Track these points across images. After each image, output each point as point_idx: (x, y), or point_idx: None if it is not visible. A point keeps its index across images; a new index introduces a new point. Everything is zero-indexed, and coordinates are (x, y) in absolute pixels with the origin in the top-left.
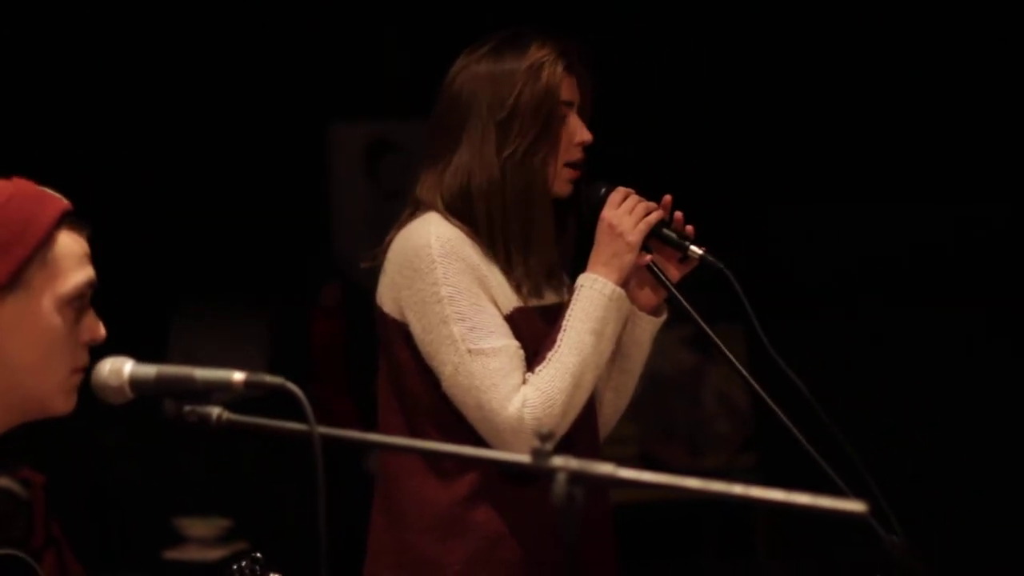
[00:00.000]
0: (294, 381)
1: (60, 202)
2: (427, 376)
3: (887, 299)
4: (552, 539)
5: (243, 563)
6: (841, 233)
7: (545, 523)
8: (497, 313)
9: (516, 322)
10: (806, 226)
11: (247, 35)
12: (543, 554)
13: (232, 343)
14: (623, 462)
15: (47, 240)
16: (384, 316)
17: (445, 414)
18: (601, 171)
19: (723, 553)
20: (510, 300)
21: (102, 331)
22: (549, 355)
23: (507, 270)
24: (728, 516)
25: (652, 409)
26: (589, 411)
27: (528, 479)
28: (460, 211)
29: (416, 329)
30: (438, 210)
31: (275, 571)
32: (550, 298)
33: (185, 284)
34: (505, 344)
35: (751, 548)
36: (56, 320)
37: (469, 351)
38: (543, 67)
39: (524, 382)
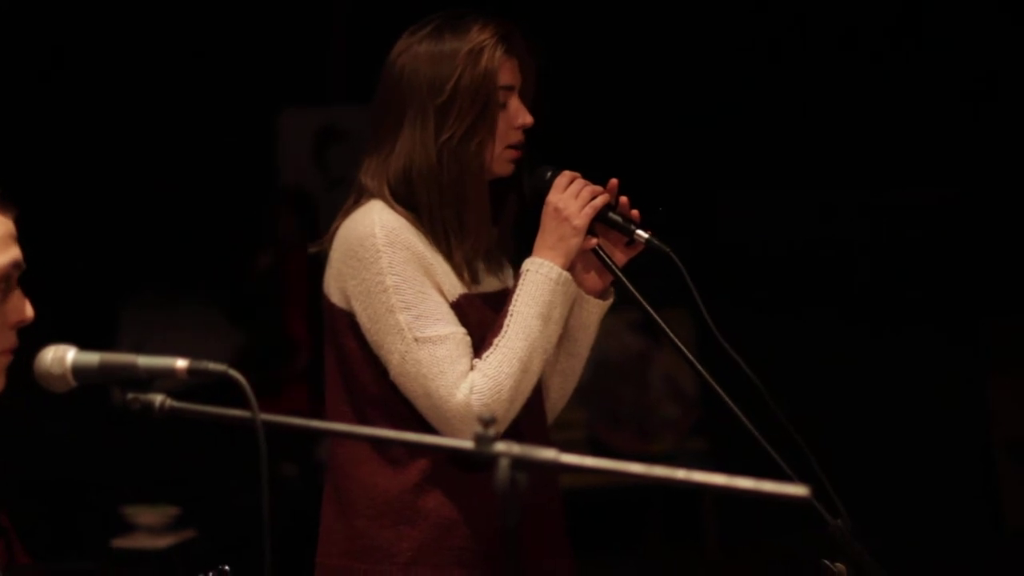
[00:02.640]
0: (259, 366)
1: None
2: (374, 365)
3: (836, 284)
4: (499, 527)
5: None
6: (791, 218)
7: (496, 509)
8: (443, 301)
9: (463, 309)
10: (756, 210)
11: (197, 21)
12: (494, 540)
13: (184, 331)
14: (571, 447)
15: None
16: (331, 306)
17: (393, 403)
18: (547, 155)
19: (671, 538)
20: (456, 287)
21: (30, 312)
22: (496, 340)
23: (449, 256)
24: (676, 501)
25: (600, 394)
26: (536, 396)
27: (478, 465)
28: (404, 196)
29: (363, 318)
30: (382, 197)
31: None
32: (491, 284)
33: (134, 273)
34: (452, 331)
35: (699, 533)
36: None
37: (416, 339)
38: (483, 51)
39: (472, 368)
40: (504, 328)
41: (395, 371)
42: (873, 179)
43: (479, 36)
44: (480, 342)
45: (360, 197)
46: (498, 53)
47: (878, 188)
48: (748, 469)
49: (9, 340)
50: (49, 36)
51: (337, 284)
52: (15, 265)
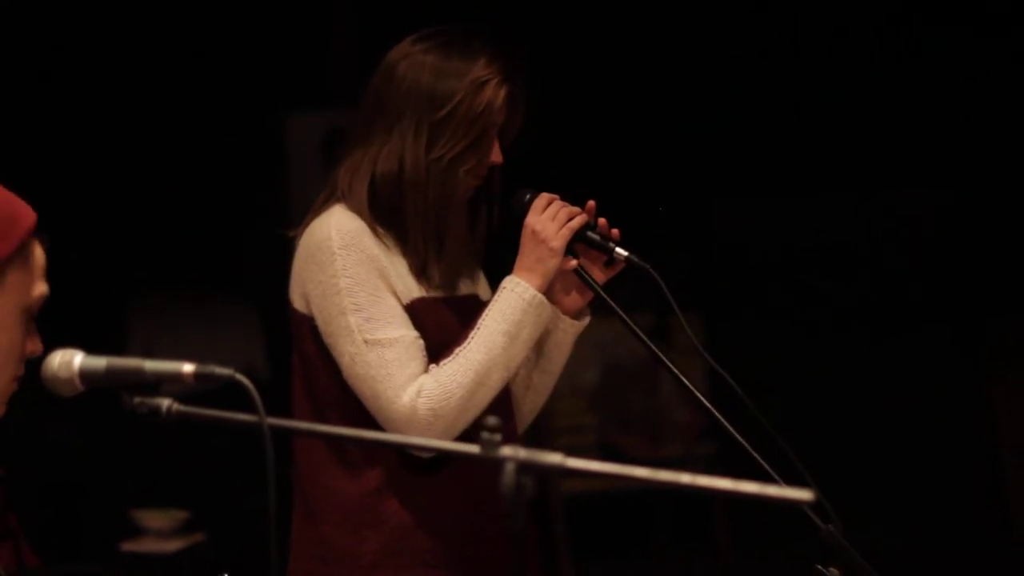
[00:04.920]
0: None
1: (31, 212)
2: (333, 368)
3: (836, 289)
4: (463, 528)
5: None
6: (788, 223)
7: (456, 514)
8: (396, 304)
9: (418, 312)
10: (753, 217)
11: (204, 26)
12: (454, 544)
13: (194, 335)
14: (583, 451)
15: (28, 242)
16: (294, 311)
17: (350, 406)
18: (547, 164)
19: (682, 541)
20: (412, 290)
21: (40, 347)
22: (457, 350)
23: (418, 262)
24: (688, 505)
25: (611, 399)
26: (507, 411)
27: (436, 469)
28: (388, 197)
29: (319, 321)
30: (355, 198)
31: None
32: (459, 288)
33: (144, 277)
34: (402, 335)
35: (711, 536)
36: (17, 332)
37: (365, 341)
38: (487, 84)
39: (426, 371)
40: (468, 339)
41: (346, 372)
42: (871, 182)
43: (487, 68)
44: (438, 345)
45: (330, 198)
46: (501, 92)
47: (876, 191)
48: (758, 474)
49: (21, 369)
50: (53, 39)
51: (299, 290)
52: (45, 298)
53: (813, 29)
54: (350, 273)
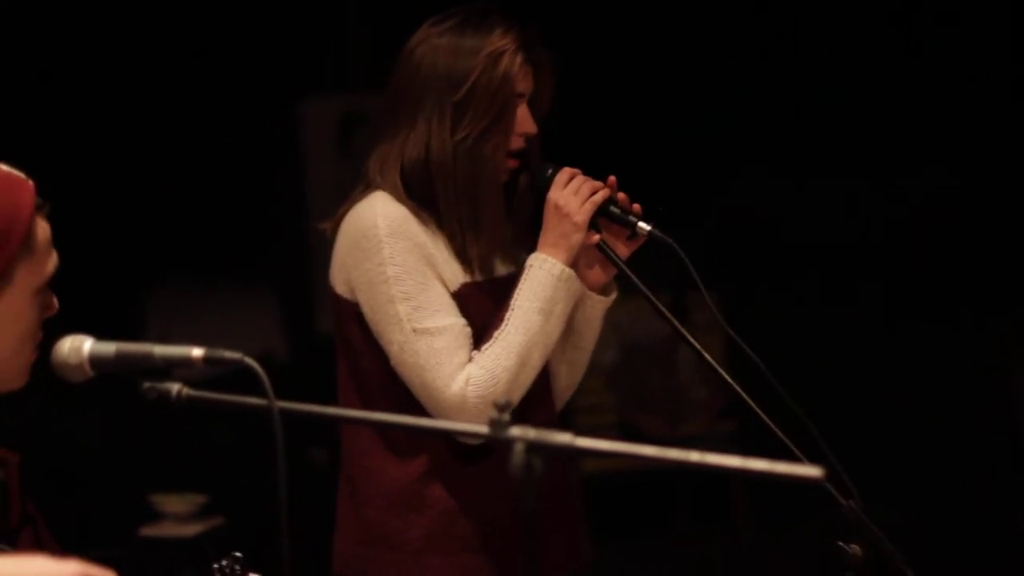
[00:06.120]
0: (299, 356)
1: (27, 184)
2: (379, 355)
3: (861, 273)
4: (508, 513)
5: (224, 562)
6: (821, 203)
7: (501, 497)
8: (444, 291)
9: (464, 299)
10: (785, 194)
11: (219, 10)
12: (500, 528)
13: (213, 320)
14: (602, 431)
15: (30, 231)
16: (336, 296)
17: (397, 392)
18: (566, 144)
19: (701, 520)
20: (458, 276)
21: (56, 303)
22: (496, 333)
23: (457, 247)
24: (706, 484)
25: (629, 378)
26: (544, 387)
27: (481, 455)
28: (418, 186)
29: (365, 309)
30: (390, 186)
31: (255, 571)
32: (497, 271)
33: (161, 263)
34: (451, 323)
35: (730, 515)
36: (33, 312)
37: (414, 330)
38: (503, 55)
39: (470, 360)
40: (505, 321)
41: (394, 360)
42: (898, 166)
43: (501, 40)
44: (480, 329)
45: (368, 186)
46: (518, 59)
47: (902, 175)
48: (778, 452)
49: (40, 335)
50: (71, 29)
51: (342, 275)
52: (56, 268)
53: (846, 11)
54: (397, 261)
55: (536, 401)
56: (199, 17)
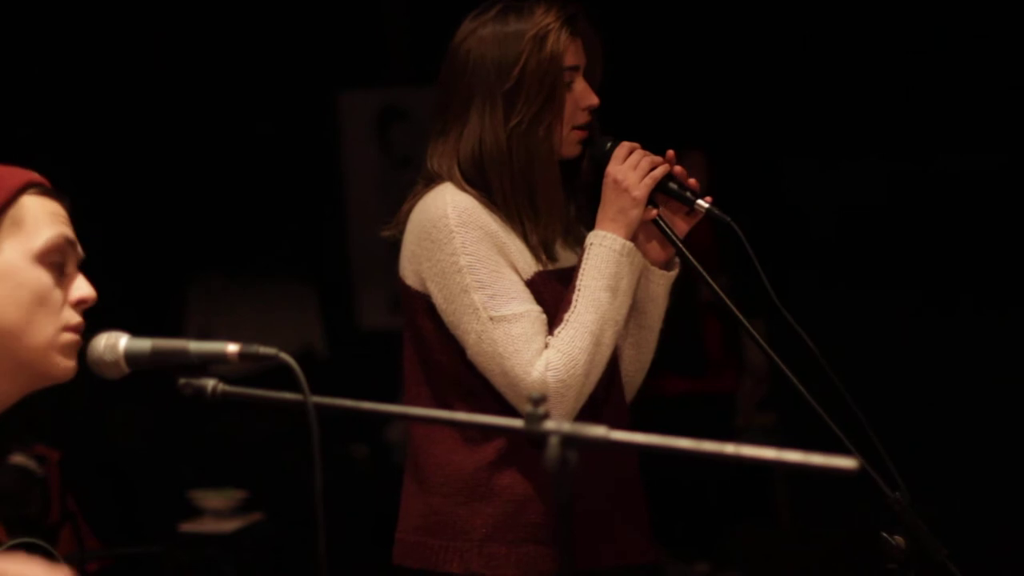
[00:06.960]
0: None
1: (27, 174)
2: (451, 345)
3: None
4: (577, 501)
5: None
6: (859, 187)
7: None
8: (517, 279)
9: (537, 287)
10: (824, 179)
11: (258, 3)
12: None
13: (253, 315)
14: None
15: (10, 203)
16: (406, 288)
17: (470, 382)
18: (612, 125)
19: (740, 510)
20: (530, 265)
21: (91, 292)
22: (566, 316)
23: (523, 236)
24: (748, 476)
25: None
26: (613, 370)
27: None
28: (475, 179)
29: (438, 299)
30: (453, 179)
31: None
32: (568, 259)
33: (201, 258)
34: (527, 309)
35: (771, 507)
36: (33, 274)
37: (491, 319)
38: (548, 34)
39: (546, 346)
40: (573, 303)
41: (472, 351)
42: (943, 146)
43: (544, 19)
44: (552, 317)
45: (430, 181)
46: (563, 35)
47: (951, 154)
48: (817, 444)
49: (73, 318)
50: (114, 21)
51: (412, 267)
52: (65, 240)
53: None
54: (470, 250)
55: (606, 389)
56: (242, 13)
